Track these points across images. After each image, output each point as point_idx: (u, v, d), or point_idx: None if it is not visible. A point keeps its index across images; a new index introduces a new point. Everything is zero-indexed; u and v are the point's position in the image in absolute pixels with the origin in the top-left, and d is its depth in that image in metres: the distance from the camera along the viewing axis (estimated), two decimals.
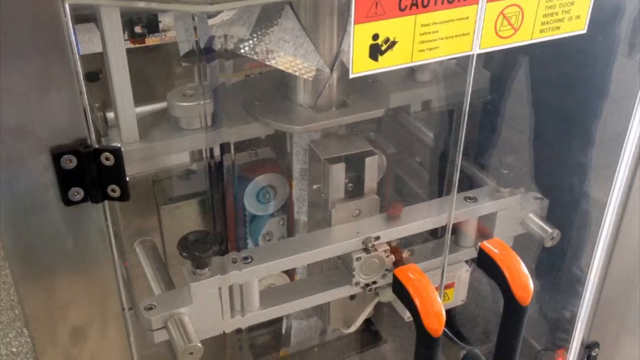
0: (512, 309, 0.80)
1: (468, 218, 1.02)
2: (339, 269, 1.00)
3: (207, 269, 0.88)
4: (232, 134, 0.96)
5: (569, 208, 1.24)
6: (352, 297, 1.07)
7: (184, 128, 0.93)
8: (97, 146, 0.61)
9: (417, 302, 0.76)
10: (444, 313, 0.76)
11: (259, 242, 1.10)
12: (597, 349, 1.12)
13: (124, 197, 0.64)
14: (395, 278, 0.83)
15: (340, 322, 1.10)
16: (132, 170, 0.80)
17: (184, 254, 0.87)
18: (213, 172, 1.02)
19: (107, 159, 0.62)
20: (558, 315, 1.32)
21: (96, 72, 0.89)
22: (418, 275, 0.80)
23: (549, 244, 1.02)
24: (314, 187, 1.00)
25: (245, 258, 0.90)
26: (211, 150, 0.97)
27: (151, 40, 1.20)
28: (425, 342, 0.75)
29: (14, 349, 1.87)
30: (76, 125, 0.61)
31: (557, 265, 1.31)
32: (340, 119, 0.97)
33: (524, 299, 0.79)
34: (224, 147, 0.99)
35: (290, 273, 1.16)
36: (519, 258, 0.81)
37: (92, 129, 0.61)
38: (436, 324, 0.74)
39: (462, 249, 1.04)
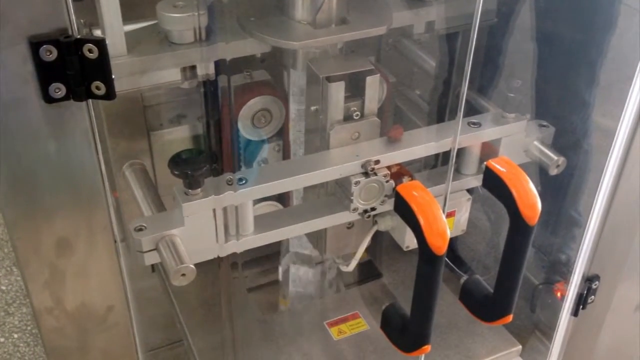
0: (519, 229, 0.77)
1: (471, 144, 0.98)
2: (336, 195, 0.96)
3: (199, 189, 0.84)
4: (227, 50, 0.91)
5: (569, 145, 1.21)
6: (349, 226, 1.04)
7: (175, 42, 0.89)
8: (79, 36, 0.57)
9: (420, 219, 0.73)
10: (448, 230, 0.72)
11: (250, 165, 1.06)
12: (597, 282, 1.10)
13: (109, 95, 0.60)
14: (397, 195, 0.79)
15: (337, 252, 1.07)
16: (120, 86, 0.76)
17: (176, 172, 0.83)
18: (207, 92, 0.98)
19: (90, 50, 0.57)
20: (556, 251, 1.30)
21: None
22: (422, 192, 0.76)
23: (554, 171, 0.98)
24: (312, 108, 0.95)
25: (241, 179, 0.86)
26: (205, 67, 0.92)
27: None
28: (428, 260, 0.72)
29: (4, 287, 1.85)
30: (57, 13, 0.55)
31: (557, 203, 1.28)
32: (340, 36, 0.92)
33: (531, 218, 0.76)
34: (219, 66, 0.94)
35: (285, 204, 1.12)
36: (526, 176, 0.78)
37: (73, 18, 0.56)
38: (440, 242, 0.71)
39: (463, 177, 1.01)
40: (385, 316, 0.86)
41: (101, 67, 0.58)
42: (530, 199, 0.76)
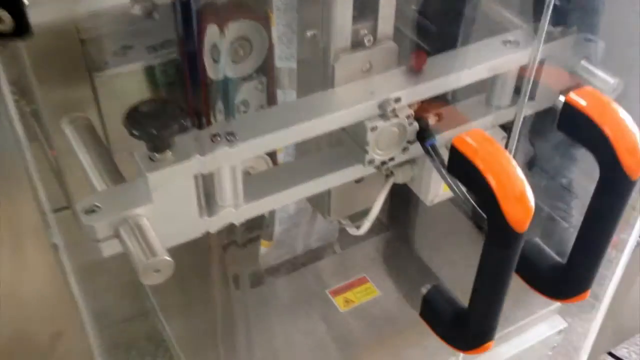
0: (616, 183, 0.58)
1: (509, 68, 0.78)
2: (344, 144, 0.75)
3: (169, 151, 0.62)
4: None
5: None
6: (357, 180, 0.84)
7: None
8: None
9: (492, 182, 0.52)
10: (532, 198, 0.53)
11: (232, 113, 0.84)
12: None
13: (19, 30, 0.37)
14: (454, 151, 0.58)
15: (343, 212, 0.88)
16: (43, 16, 0.54)
17: (135, 132, 0.60)
18: (166, 19, 0.74)
19: None
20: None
21: None
22: (489, 146, 0.56)
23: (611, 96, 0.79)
24: (308, 34, 0.73)
25: (230, 134, 0.64)
26: None
27: None
28: (503, 239, 0.53)
29: None
30: None
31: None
32: None
33: (635, 168, 0.56)
34: None
35: (272, 156, 0.91)
36: (625, 113, 0.58)
37: None
38: (521, 214, 0.51)
39: (496, 110, 0.81)
40: (428, 303, 0.67)
41: None
42: (632, 142, 0.56)
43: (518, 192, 0.52)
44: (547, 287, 0.68)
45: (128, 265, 1.12)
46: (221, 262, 1.06)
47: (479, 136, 0.58)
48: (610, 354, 1.49)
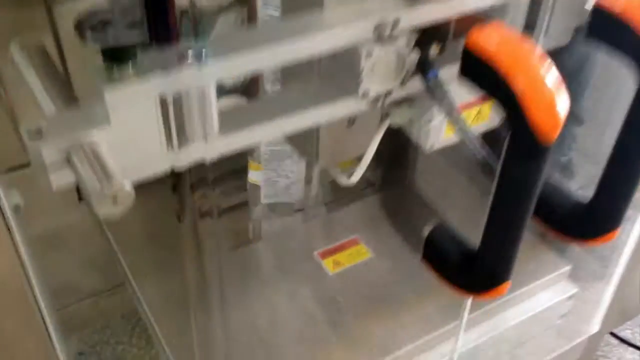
0: None
1: None
2: (336, 76, 0.67)
3: (130, 66, 0.53)
4: None
5: None
6: (350, 122, 0.76)
7: None
8: None
9: (516, 86, 0.43)
10: (564, 101, 0.44)
11: None
12: None
13: None
14: (467, 50, 0.49)
15: (332, 159, 0.79)
16: None
17: (91, 38, 0.51)
18: None
19: None
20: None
21: None
22: (511, 40, 0.46)
23: None
24: None
25: (200, 51, 0.55)
26: None
27: None
28: (527, 153, 0.44)
29: None
30: None
31: None
32: None
33: None
34: None
35: (253, 94, 0.82)
36: None
37: None
38: (551, 122, 0.43)
39: None
40: (431, 243, 0.58)
41: None
42: None
43: (549, 98, 0.43)
44: (569, 227, 0.59)
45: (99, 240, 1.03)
46: (196, 227, 0.98)
47: (500, 31, 0.48)
48: (613, 334, 1.42)
